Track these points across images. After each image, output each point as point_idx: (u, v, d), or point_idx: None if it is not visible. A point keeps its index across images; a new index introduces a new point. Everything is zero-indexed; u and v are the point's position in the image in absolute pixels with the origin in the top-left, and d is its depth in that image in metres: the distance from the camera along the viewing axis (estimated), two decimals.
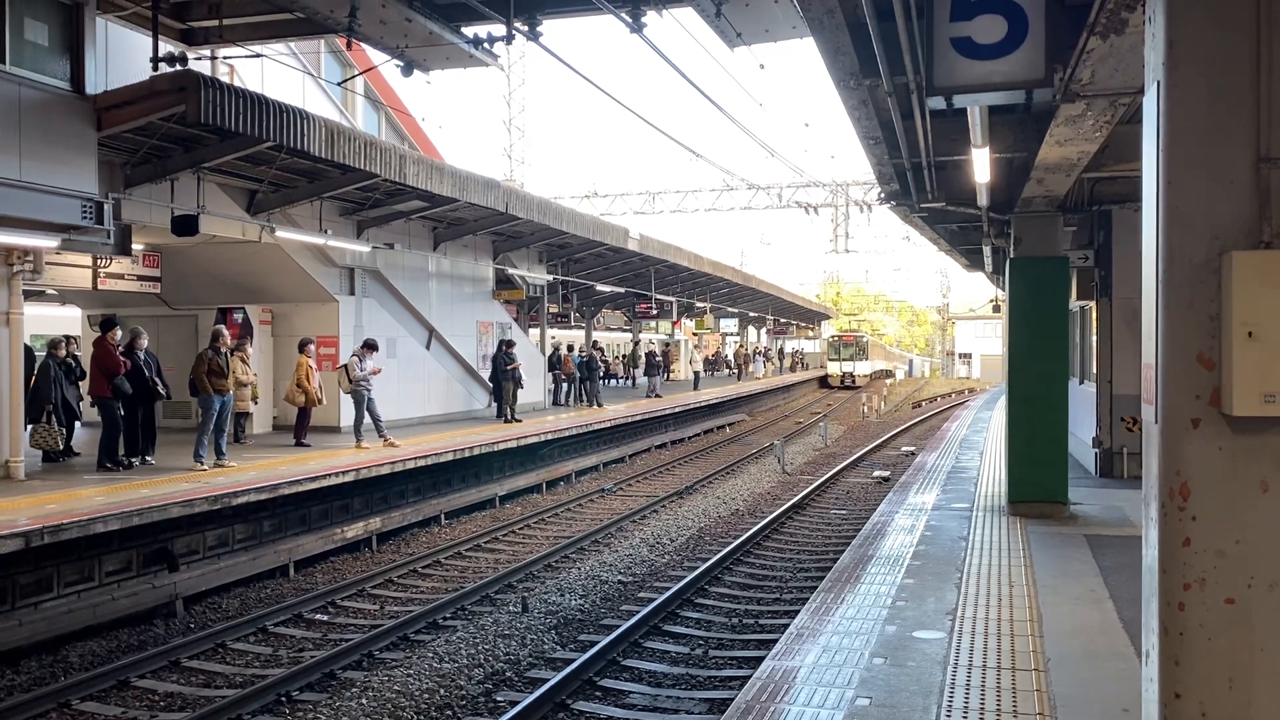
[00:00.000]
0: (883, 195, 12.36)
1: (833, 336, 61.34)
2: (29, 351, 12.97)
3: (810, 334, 69.42)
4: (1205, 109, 3.01)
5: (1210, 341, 2.97)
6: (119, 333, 12.82)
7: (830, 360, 57.75)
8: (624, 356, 43.89)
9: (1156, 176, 3.08)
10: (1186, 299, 3.00)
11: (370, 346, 15.82)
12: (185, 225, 12.85)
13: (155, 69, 11.57)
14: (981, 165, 8.59)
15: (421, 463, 14.45)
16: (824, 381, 57.80)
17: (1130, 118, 7.85)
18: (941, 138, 8.94)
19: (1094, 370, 14.28)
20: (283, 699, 7.52)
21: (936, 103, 5.69)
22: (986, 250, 16.03)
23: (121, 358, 12.61)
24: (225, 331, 13.76)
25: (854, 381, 55.29)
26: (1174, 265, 3.02)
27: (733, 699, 5.58)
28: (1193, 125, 3.02)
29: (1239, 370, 2.89)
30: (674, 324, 41.09)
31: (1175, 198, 3.02)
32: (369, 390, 15.52)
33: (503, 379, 20.43)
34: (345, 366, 15.65)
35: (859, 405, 39.86)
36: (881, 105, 8.08)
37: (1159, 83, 3.07)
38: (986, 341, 79.35)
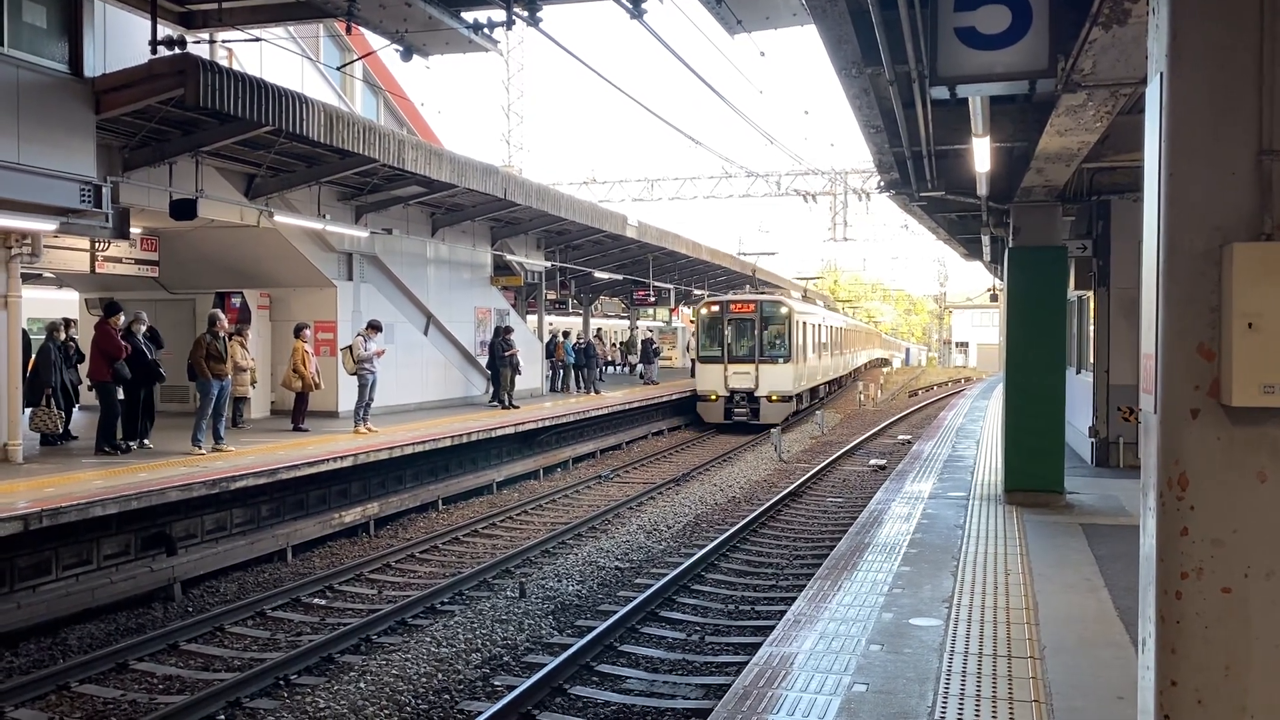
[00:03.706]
0: (882, 184, 12.35)
1: (709, 308, 27.66)
2: (24, 335, 12.96)
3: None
4: (1208, 101, 3.01)
5: (1210, 332, 2.98)
6: (122, 318, 12.81)
7: (704, 360, 27.08)
8: (621, 343, 43.84)
9: (1158, 167, 3.08)
10: (1187, 290, 3.01)
11: (374, 327, 15.79)
12: (183, 209, 12.83)
13: (154, 52, 11.52)
14: (982, 154, 8.59)
15: (419, 448, 14.46)
16: (693, 408, 27.01)
17: (1131, 108, 7.85)
18: (942, 127, 8.93)
19: (1091, 360, 14.32)
20: (281, 682, 7.55)
21: (940, 92, 5.69)
22: (985, 239, 16.05)
23: (122, 342, 12.61)
24: (222, 316, 13.75)
25: (757, 412, 26.00)
26: (1175, 256, 3.03)
27: (729, 685, 5.61)
28: (1195, 117, 3.02)
29: (1238, 361, 2.91)
30: (671, 311, 40.88)
31: (1177, 189, 3.03)
32: (374, 372, 15.50)
33: (500, 365, 20.43)
34: (349, 347, 15.64)
35: (855, 394, 39.88)
36: (883, 94, 8.07)
37: (1162, 74, 3.07)
38: (983, 330, 79.41)
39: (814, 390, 32.21)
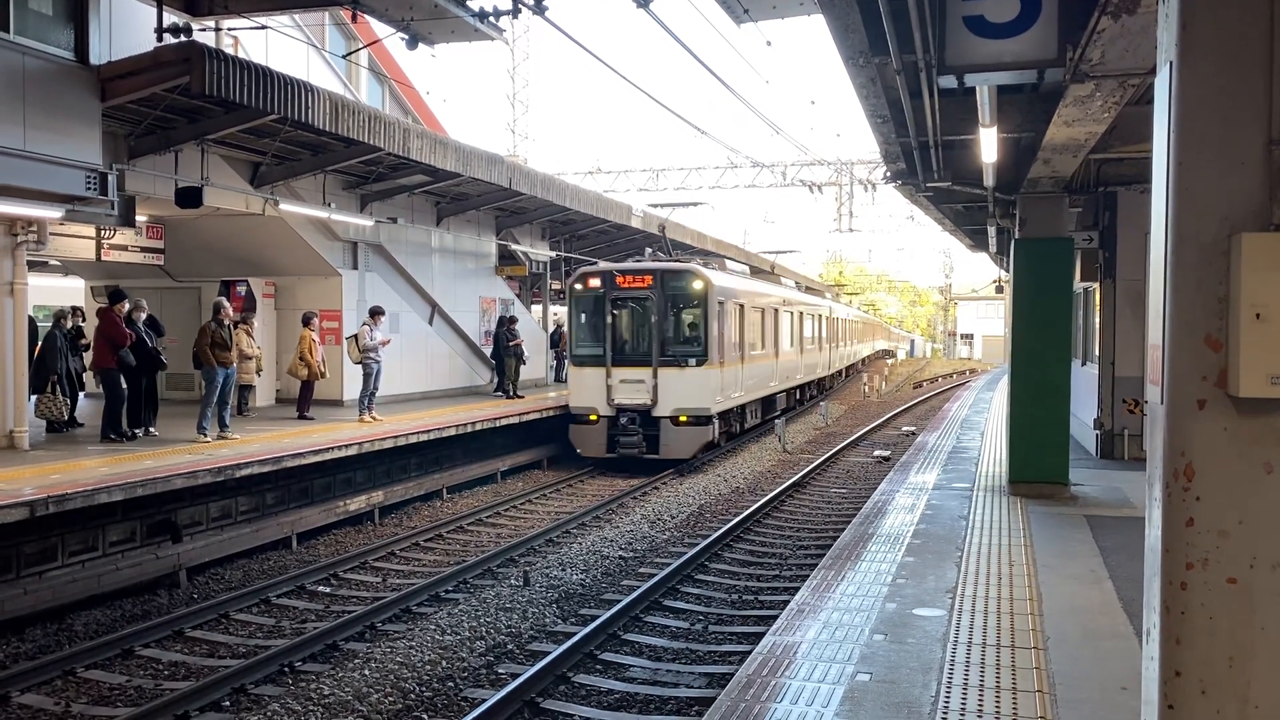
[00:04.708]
0: (889, 174, 12.34)
1: (585, 281, 18.39)
2: (31, 323, 13.00)
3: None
4: (1217, 91, 3.00)
5: (1218, 323, 2.97)
6: (126, 305, 12.84)
7: (578, 361, 18.44)
8: None
9: (1167, 157, 3.07)
10: (1195, 280, 3.00)
11: (377, 313, 15.78)
12: (189, 197, 12.84)
13: (160, 40, 11.52)
14: (989, 145, 8.57)
15: (424, 437, 14.49)
16: (568, 432, 18.06)
17: (1138, 99, 7.83)
18: (949, 117, 8.91)
19: (1096, 352, 14.30)
20: (286, 669, 7.58)
21: (948, 81, 5.68)
22: (991, 231, 16.00)
23: (127, 330, 12.64)
24: (226, 304, 13.77)
25: (656, 441, 17.35)
26: (1183, 246, 3.02)
27: (733, 673, 5.63)
28: (1204, 107, 3.01)
29: (1246, 352, 2.90)
30: None
31: (1185, 179, 3.02)
32: (379, 361, 15.51)
33: (505, 355, 20.44)
34: (354, 336, 15.65)
35: (859, 386, 39.86)
36: (890, 84, 8.04)
37: (1171, 63, 3.06)
38: (989, 322, 79.36)
39: (768, 401, 23.19)
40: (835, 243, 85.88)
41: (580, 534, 12.53)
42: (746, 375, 20.44)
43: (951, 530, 9.01)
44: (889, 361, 65.03)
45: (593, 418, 17.64)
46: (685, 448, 17.55)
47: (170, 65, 10.88)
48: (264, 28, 14.25)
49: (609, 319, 17.87)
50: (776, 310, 24.14)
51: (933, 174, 11.10)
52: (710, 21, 13.08)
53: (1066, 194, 11.17)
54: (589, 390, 17.81)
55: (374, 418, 15.28)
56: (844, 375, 40.93)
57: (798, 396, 28.14)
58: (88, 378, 14.54)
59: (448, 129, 31.66)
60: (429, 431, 14.61)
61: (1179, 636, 3.00)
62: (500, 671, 7.57)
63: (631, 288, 18.01)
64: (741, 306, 20.04)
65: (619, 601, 9.04)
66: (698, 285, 17.89)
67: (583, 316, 18.51)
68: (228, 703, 7.00)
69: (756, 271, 29.10)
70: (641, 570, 10.73)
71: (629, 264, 19.41)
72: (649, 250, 21.24)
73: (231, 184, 14.46)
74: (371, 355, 15.44)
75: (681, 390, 17.49)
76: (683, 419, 17.39)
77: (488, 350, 21.92)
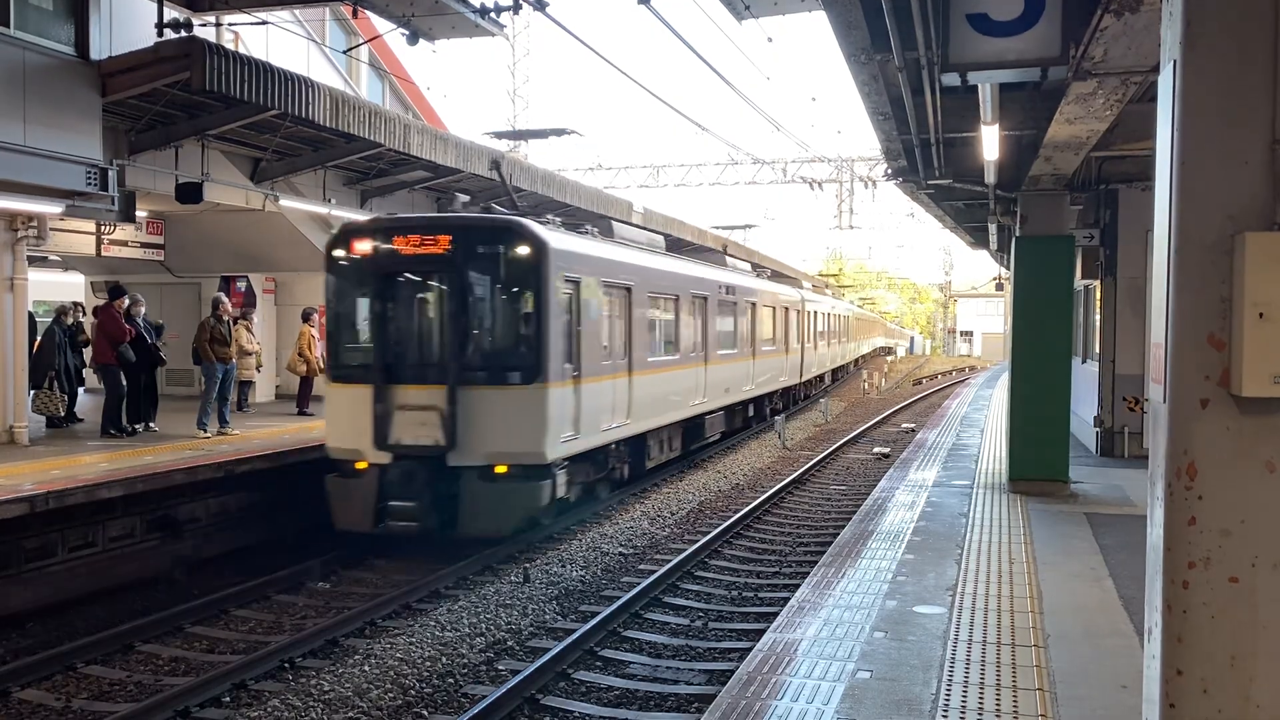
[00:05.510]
0: (890, 171, 12.33)
1: (348, 245, 11.11)
2: (30, 318, 13.00)
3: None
4: (1221, 89, 3.00)
5: (1221, 322, 2.98)
6: (126, 301, 12.84)
7: (336, 375, 11.27)
8: None
9: (1170, 156, 3.07)
10: (1198, 279, 3.01)
11: None
12: (189, 193, 12.84)
13: (160, 35, 11.52)
14: (990, 142, 8.57)
15: None
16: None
17: (1140, 96, 7.82)
18: (951, 114, 8.90)
19: (1097, 350, 14.30)
20: (286, 665, 7.58)
21: (951, 79, 5.67)
22: (992, 228, 16.01)
23: (126, 325, 12.64)
24: (225, 299, 13.77)
25: (454, 507, 10.44)
26: (1186, 245, 3.03)
27: (733, 670, 5.63)
28: (1208, 105, 3.01)
29: (1249, 351, 2.90)
30: None
31: (1189, 178, 3.02)
32: None
33: None
34: None
35: (859, 383, 39.86)
36: (892, 81, 8.03)
37: (1175, 61, 3.06)
38: (988, 320, 79.30)
39: (694, 424, 17.11)
40: (835, 240, 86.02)
41: (580, 531, 12.51)
42: (639, 394, 13.84)
43: (951, 528, 9.01)
44: (888, 359, 65.04)
45: (359, 466, 10.85)
46: (502, 516, 10.77)
47: (171, 60, 10.87)
48: (264, 23, 14.24)
49: (381, 307, 11.15)
50: (705, 299, 17.62)
51: (934, 171, 11.09)
52: (711, 18, 13.10)
53: (1068, 191, 11.18)
54: (351, 422, 10.96)
55: None
56: (826, 380, 35.67)
57: (750, 413, 21.80)
58: (88, 373, 14.54)
59: (448, 124, 31.64)
60: None
61: (1181, 635, 3.00)
62: (500, 668, 7.58)
63: (418, 254, 11.02)
64: (628, 290, 13.69)
65: (619, 598, 9.04)
66: (522, 251, 10.96)
67: (347, 303, 11.60)
68: (228, 698, 7.00)
69: (684, 246, 23.66)
70: (641, 567, 10.73)
71: (415, 216, 14.08)
72: (462, 200, 13.02)
73: (232, 180, 14.44)
74: None
75: (496, 424, 10.75)
76: (499, 469, 10.75)
77: None
